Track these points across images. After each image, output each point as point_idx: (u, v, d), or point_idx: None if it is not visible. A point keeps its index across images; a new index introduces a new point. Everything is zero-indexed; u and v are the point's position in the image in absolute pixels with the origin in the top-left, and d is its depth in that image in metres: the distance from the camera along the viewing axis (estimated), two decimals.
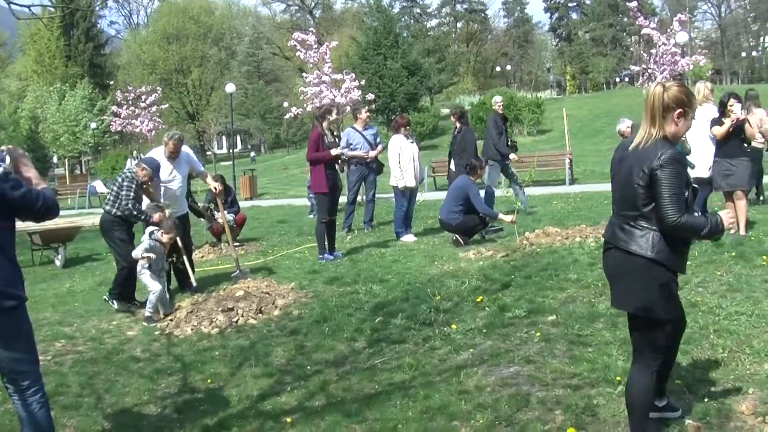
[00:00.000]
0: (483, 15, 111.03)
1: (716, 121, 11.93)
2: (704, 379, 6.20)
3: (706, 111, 12.38)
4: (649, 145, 4.83)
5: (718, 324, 7.62)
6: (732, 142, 11.74)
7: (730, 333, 7.29)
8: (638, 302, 4.94)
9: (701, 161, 12.30)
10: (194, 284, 11.37)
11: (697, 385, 6.08)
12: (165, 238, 10.41)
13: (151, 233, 10.41)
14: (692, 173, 11.99)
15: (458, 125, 16.81)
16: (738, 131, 11.73)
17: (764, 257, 9.66)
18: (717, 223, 4.79)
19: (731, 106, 11.75)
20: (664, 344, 5.09)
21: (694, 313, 8.00)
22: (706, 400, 5.75)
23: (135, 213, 10.58)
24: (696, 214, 4.83)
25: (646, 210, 4.82)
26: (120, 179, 10.74)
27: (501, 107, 17.91)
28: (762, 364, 6.42)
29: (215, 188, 11.96)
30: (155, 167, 10.94)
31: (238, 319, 9.44)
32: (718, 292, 8.78)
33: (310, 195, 19.05)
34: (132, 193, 10.53)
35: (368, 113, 16.82)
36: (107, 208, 10.67)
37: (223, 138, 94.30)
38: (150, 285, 10.01)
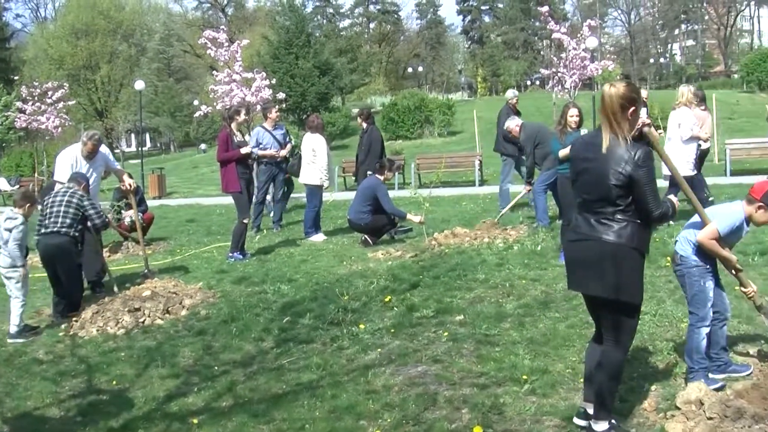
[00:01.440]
0: (396, 16, 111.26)
1: None
2: None
3: (678, 115, 12.90)
4: (617, 147, 5.13)
5: None
6: None
7: (636, 333, 7.43)
8: (623, 289, 5.12)
9: (679, 160, 12.77)
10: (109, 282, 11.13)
11: None
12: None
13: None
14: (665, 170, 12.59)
15: (365, 126, 16.82)
16: (642, 136, 11.94)
17: (668, 258, 9.85)
18: (674, 206, 5.34)
19: None
20: (636, 326, 5.43)
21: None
22: None
23: (108, 222, 10.59)
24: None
25: (624, 205, 5.08)
26: (74, 201, 10.13)
27: (516, 102, 17.89)
28: (664, 362, 6.58)
29: (129, 185, 11.79)
30: (87, 179, 10.80)
31: (144, 320, 9.29)
32: None
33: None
34: (96, 207, 10.31)
35: (278, 113, 16.74)
36: (64, 230, 9.85)
37: (132, 136, 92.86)
38: (21, 296, 9.41)
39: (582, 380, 5.90)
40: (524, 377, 6.33)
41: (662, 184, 13.55)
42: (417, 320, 8.43)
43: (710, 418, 5.13)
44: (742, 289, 6.12)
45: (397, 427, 5.64)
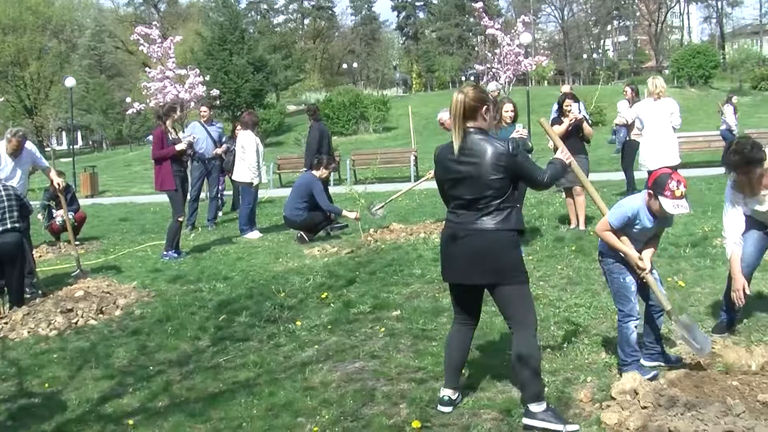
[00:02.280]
0: (330, 12, 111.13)
1: (556, 121, 12.33)
2: (545, 369, 6.35)
3: (666, 104, 13.11)
4: (480, 144, 5.40)
5: (558, 316, 7.89)
6: (571, 141, 12.10)
7: (569, 324, 7.54)
8: (515, 271, 5.47)
9: (667, 151, 13.00)
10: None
11: None
12: None
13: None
14: (663, 162, 12.85)
15: (311, 122, 16.81)
16: (576, 130, 12.10)
17: None
18: (563, 164, 5.81)
19: (567, 106, 12.13)
20: (533, 301, 5.73)
21: (535, 306, 8.20)
22: (546, 389, 5.90)
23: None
24: None
25: (506, 195, 5.38)
26: (13, 193, 9.85)
27: (497, 95, 17.92)
28: (599, 353, 6.67)
29: (58, 184, 11.63)
30: None
31: (77, 320, 9.13)
32: (558, 286, 9.09)
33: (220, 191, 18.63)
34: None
35: (209, 111, 16.69)
36: (18, 225, 9.68)
37: (63, 134, 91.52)
38: None
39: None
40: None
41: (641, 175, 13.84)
42: (354, 316, 8.44)
43: (644, 407, 5.22)
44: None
45: (335, 423, 5.62)
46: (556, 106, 13.60)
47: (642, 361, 6.17)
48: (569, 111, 12.10)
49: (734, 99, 22.10)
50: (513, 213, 5.44)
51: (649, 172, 13.31)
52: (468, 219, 5.47)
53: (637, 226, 5.99)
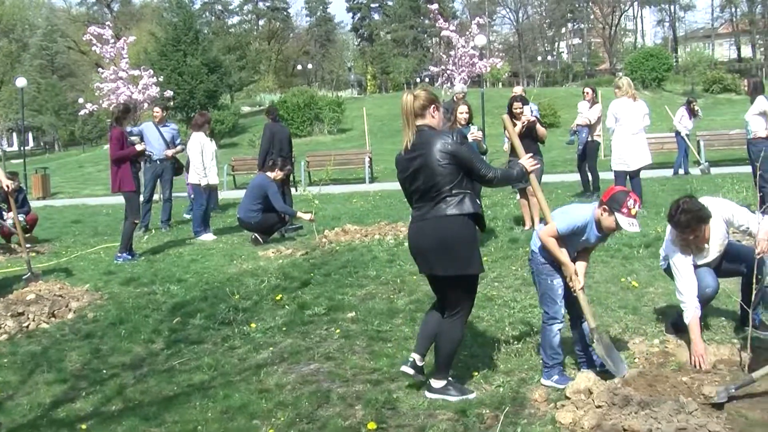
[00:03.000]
0: (285, 13, 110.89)
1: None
2: (500, 370, 6.42)
3: (642, 105, 13.52)
4: (428, 137, 5.76)
5: (513, 317, 7.93)
6: (525, 142, 12.17)
7: (524, 325, 7.59)
8: (467, 261, 5.75)
9: (644, 151, 13.19)
10: None
11: (493, 376, 6.30)
12: None
13: None
14: (641, 162, 12.99)
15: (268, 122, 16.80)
16: (529, 132, 12.17)
17: None
18: (522, 170, 5.94)
19: (516, 109, 12.21)
20: (474, 298, 6.03)
21: (490, 306, 8.30)
22: (501, 389, 5.97)
23: None
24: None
25: (456, 181, 5.68)
26: None
27: (463, 97, 17.96)
28: None
29: (8, 186, 11.47)
30: None
31: (28, 324, 9.01)
32: (513, 287, 9.14)
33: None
34: None
35: (162, 112, 16.57)
36: None
37: (14, 135, 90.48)
38: None
39: (473, 372, 6.25)
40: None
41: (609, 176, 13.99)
42: (309, 318, 8.42)
43: (599, 407, 5.27)
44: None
45: (291, 425, 5.61)
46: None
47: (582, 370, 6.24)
48: (520, 113, 12.16)
49: (694, 104, 22.35)
50: (466, 199, 5.71)
51: (617, 174, 13.54)
52: (425, 209, 5.80)
53: (581, 238, 6.05)
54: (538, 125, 12.35)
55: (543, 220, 6.29)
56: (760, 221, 6.57)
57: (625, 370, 6.01)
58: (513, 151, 7.90)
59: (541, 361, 6.24)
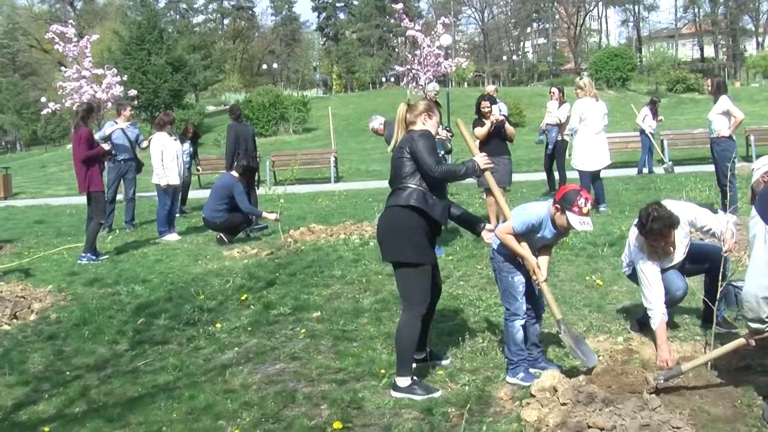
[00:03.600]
0: (250, 12, 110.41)
1: (477, 122, 12.40)
2: (465, 368, 6.44)
3: (603, 105, 13.79)
4: (407, 136, 6.18)
5: (478, 315, 7.97)
6: (494, 142, 12.22)
7: (489, 324, 7.62)
8: (400, 249, 6.06)
9: (605, 151, 13.32)
10: None
11: (459, 374, 6.31)
12: None
13: None
14: (601, 163, 13.08)
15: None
16: (498, 131, 12.21)
17: None
18: (473, 166, 6.13)
19: (484, 108, 12.23)
20: (425, 288, 6.10)
21: (456, 305, 8.34)
22: (467, 388, 5.99)
23: None
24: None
25: (410, 175, 6.04)
26: None
27: (435, 95, 17.99)
28: None
29: None
30: None
31: None
32: (478, 285, 9.19)
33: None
34: None
35: (132, 111, 16.48)
36: None
37: None
38: None
39: (439, 371, 6.35)
40: (382, 371, 6.40)
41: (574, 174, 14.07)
42: (274, 318, 8.41)
43: (563, 404, 5.30)
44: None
45: (257, 425, 5.60)
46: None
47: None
48: (488, 113, 12.18)
49: (658, 104, 22.56)
50: (414, 193, 6.00)
51: (582, 174, 13.65)
52: (389, 200, 6.24)
53: (537, 234, 6.09)
54: (506, 124, 12.37)
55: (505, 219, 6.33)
56: (723, 220, 6.63)
57: (595, 360, 6.06)
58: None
59: (505, 360, 6.27)
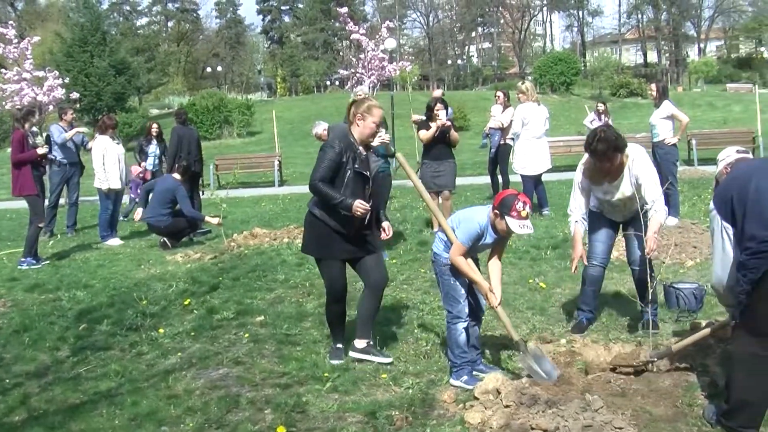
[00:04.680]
0: (195, 15, 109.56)
1: (423, 125, 12.43)
2: (409, 372, 6.47)
3: (544, 110, 14.04)
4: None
5: (422, 319, 8.01)
6: (439, 146, 12.28)
7: (433, 327, 7.67)
8: (305, 245, 7.09)
9: (545, 155, 13.42)
10: None
11: (403, 378, 6.34)
12: None
13: None
14: (542, 167, 13.14)
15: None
16: (443, 135, 12.25)
17: None
18: (348, 204, 6.43)
19: (438, 110, 12.26)
20: (333, 277, 6.89)
21: (399, 308, 8.34)
22: (410, 391, 6.02)
23: None
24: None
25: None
26: None
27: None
28: None
29: None
30: None
31: None
32: (422, 289, 9.24)
33: (132, 194, 18.08)
34: None
35: (74, 114, 16.30)
36: None
37: None
38: None
39: (383, 375, 6.35)
40: (326, 375, 6.41)
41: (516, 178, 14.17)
42: (217, 323, 8.38)
43: (507, 406, 5.36)
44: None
45: (200, 431, 5.58)
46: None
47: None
48: (438, 116, 12.21)
49: (600, 106, 22.78)
50: (314, 197, 6.77)
51: (524, 178, 13.77)
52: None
53: (480, 242, 6.14)
54: (452, 130, 12.42)
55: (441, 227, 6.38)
56: (659, 218, 6.68)
57: (556, 375, 6.02)
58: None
59: (449, 362, 6.31)
